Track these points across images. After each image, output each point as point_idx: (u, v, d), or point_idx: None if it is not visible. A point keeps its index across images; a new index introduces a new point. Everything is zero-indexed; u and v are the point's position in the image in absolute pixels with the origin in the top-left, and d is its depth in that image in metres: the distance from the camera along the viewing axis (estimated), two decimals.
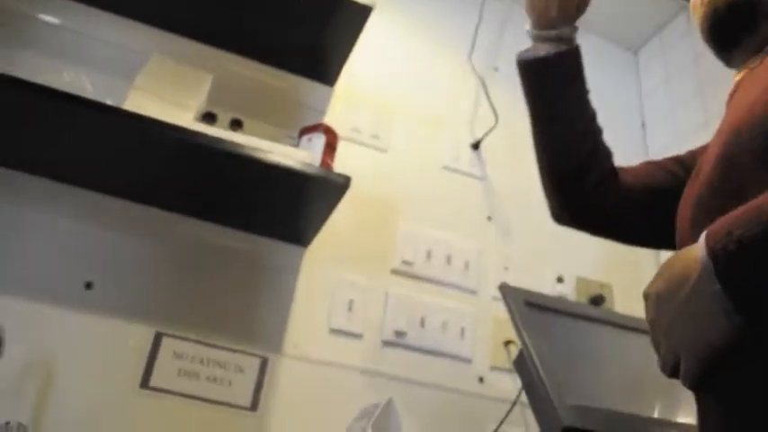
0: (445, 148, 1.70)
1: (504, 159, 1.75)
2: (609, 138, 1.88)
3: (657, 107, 2.01)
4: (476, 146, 1.72)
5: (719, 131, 0.78)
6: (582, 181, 0.98)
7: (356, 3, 1.35)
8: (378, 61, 1.73)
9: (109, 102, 1.19)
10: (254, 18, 1.43)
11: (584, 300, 1.61)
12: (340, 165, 1.42)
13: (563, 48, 0.96)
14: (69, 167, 1.23)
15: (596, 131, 1.01)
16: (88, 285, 1.22)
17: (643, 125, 2.04)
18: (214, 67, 1.43)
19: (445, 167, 1.67)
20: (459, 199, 1.65)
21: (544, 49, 0.96)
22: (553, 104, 0.98)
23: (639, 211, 1.00)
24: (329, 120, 1.55)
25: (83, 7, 1.43)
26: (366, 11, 1.37)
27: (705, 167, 0.76)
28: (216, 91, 1.37)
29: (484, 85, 1.79)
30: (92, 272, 1.23)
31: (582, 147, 0.99)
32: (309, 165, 1.14)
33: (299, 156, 1.17)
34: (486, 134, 1.71)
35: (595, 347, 1.28)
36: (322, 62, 1.55)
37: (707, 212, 0.71)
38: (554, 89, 0.97)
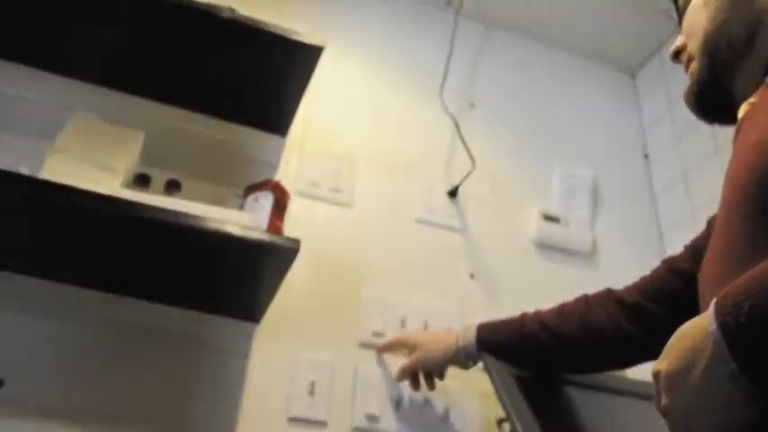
0: (418, 198, 1.77)
1: (486, 207, 1.82)
2: (609, 173, 2.01)
3: (661, 136, 2.11)
4: (453, 193, 1.79)
5: (727, 176, 0.87)
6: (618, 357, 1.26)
7: (304, 43, 1.43)
8: (335, 105, 1.81)
9: (24, 169, 1.25)
10: (190, 64, 1.51)
11: None
12: (295, 225, 1.47)
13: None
14: None
15: (574, 342, 1.26)
16: None
17: (646, 157, 2.13)
18: (147, 123, 1.50)
19: (419, 221, 1.74)
20: (437, 256, 1.71)
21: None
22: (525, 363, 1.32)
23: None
24: (283, 174, 1.62)
25: None
26: (317, 51, 1.45)
27: (719, 218, 0.86)
28: (150, 149, 1.43)
29: (457, 125, 1.87)
30: (2, 366, 1.24)
31: (588, 356, 1.27)
32: (253, 229, 1.20)
33: (241, 219, 1.23)
34: (464, 180, 1.79)
35: (599, 420, 1.33)
36: (271, 110, 1.62)
37: (725, 265, 0.80)
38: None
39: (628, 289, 1.24)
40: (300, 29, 1.44)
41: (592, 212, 1.94)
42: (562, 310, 1.29)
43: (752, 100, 0.91)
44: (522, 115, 2.04)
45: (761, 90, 0.90)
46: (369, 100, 1.87)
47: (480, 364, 1.35)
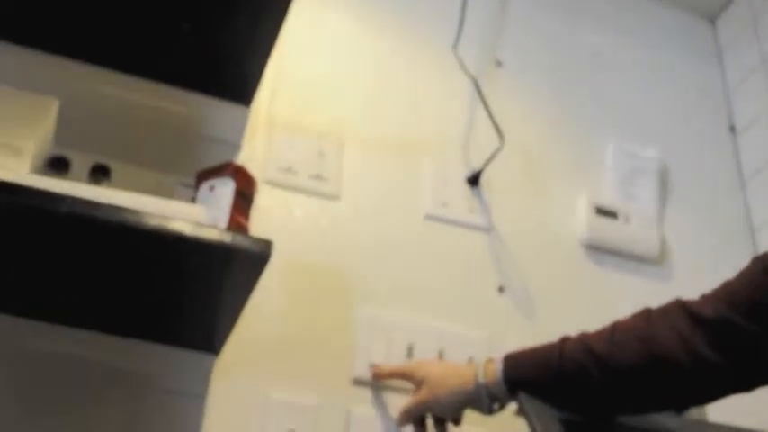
0: (427, 186, 1.77)
1: (518, 198, 1.83)
2: (683, 152, 2.01)
3: (751, 101, 2.11)
4: (474, 180, 1.79)
5: None
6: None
7: None
8: (315, 63, 1.81)
9: None
10: (123, 10, 1.50)
11: None
12: (264, 224, 1.48)
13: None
14: None
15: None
16: None
17: (732, 129, 2.14)
18: (63, 88, 1.50)
19: (429, 217, 1.74)
20: (454, 263, 1.71)
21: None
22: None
23: None
24: (247, 157, 1.63)
25: None
26: None
27: None
28: (68, 124, 1.43)
29: (478, 88, 1.87)
30: None
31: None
32: (208, 227, 1.19)
33: (192, 214, 1.23)
34: (489, 162, 1.79)
35: None
36: (230, 70, 1.62)
37: None
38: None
39: (705, 299, 1.23)
40: None
41: (659, 204, 1.95)
42: (615, 332, 1.28)
43: None
44: (565, 75, 2.05)
45: None
46: (360, 56, 1.87)
47: (509, 407, 1.35)
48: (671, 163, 2.03)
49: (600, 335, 1.29)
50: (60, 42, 1.58)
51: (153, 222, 1.16)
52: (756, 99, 2.09)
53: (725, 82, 2.21)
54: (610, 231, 1.86)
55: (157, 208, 1.21)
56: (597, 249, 1.85)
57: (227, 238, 1.19)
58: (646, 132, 2.05)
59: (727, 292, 1.21)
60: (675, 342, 1.21)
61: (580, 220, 1.86)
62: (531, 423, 1.29)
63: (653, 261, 1.88)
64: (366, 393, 1.53)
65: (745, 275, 1.21)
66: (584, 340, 1.29)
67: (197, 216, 1.23)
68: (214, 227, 1.22)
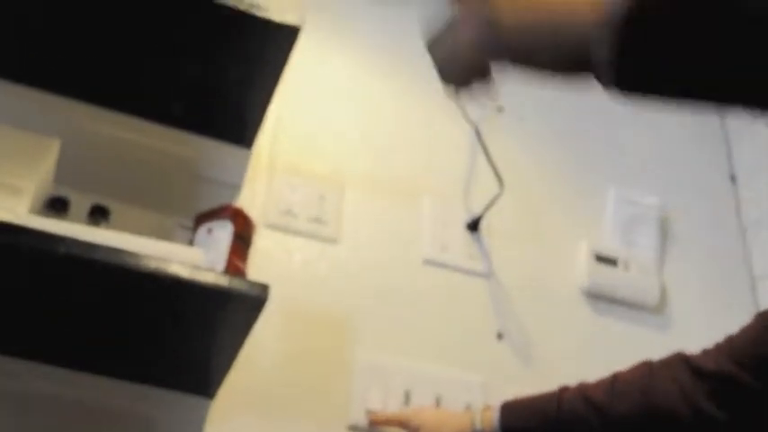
0: (427, 231, 1.77)
1: (518, 244, 1.83)
2: (683, 199, 2.00)
3: (753, 149, 2.12)
4: (473, 226, 1.79)
5: None
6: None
7: (275, 22, 1.43)
8: (316, 107, 1.83)
9: None
10: (119, 47, 1.51)
11: None
12: (262, 267, 1.48)
13: None
14: None
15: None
16: None
17: (732, 179, 2.14)
18: (64, 129, 1.51)
19: (428, 262, 1.74)
20: (453, 308, 1.71)
21: None
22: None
23: None
24: (247, 199, 1.63)
25: None
26: (291, 33, 1.45)
27: None
28: (68, 164, 1.44)
29: (479, 133, 1.88)
30: None
31: None
32: (205, 270, 1.19)
33: (189, 257, 1.23)
34: (488, 207, 1.79)
35: None
36: (231, 113, 1.63)
37: None
38: None
39: (707, 353, 1.22)
40: (271, 4, 1.43)
41: (660, 252, 1.95)
42: (615, 383, 1.27)
43: None
44: (565, 121, 2.06)
45: None
46: (360, 100, 1.88)
47: None
48: (672, 210, 2.03)
49: (599, 386, 1.28)
50: (60, 82, 1.58)
51: (151, 265, 1.17)
52: (758, 147, 2.09)
53: (724, 129, 2.22)
54: (609, 279, 1.86)
55: (155, 250, 1.21)
56: (597, 297, 1.84)
57: (223, 281, 1.20)
58: (647, 179, 2.06)
59: (730, 347, 1.20)
60: (676, 395, 1.20)
61: (580, 267, 1.86)
62: None
63: (652, 309, 1.87)
64: None
65: (748, 331, 1.21)
66: (584, 391, 1.28)
67: (195, 259, 1.24)
68: (211, 270, 1.23)
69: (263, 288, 1.20)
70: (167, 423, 1.43)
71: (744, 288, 1.98)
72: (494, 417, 1.34)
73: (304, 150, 1.77)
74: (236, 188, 1.66)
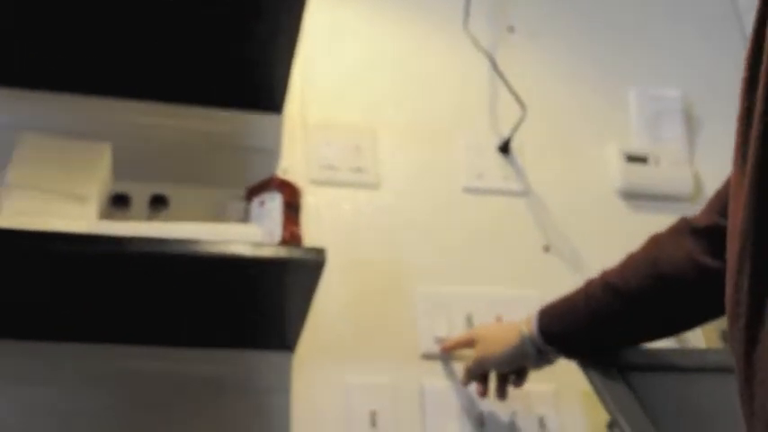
0: (461, 161, 1.83)
1: (549, 158, 1.88)
2: (705, 86, 1.94)
3: None
4: (504, 148, 1.85)
5: None
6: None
7: None
8: (335, 63, 1.87)
9: None
10: (145, 36, 1.57)
11: (715, 343, 1.70)
12: (316, 223, 1.57)
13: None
14: None
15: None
16: None
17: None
18: (112, 129, 1.60)
19: (467, 189, 1.81)
20: (498, 230, 1.77)
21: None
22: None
23: None
24: (288, 161, 1.71)
25: None
26: None
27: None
28: (122, 161, 1.50)
29: (493, 61, 1.92)
30: None
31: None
32: (264, 245, 1.28)
33: (247, 234, 1.31)
34: (515, 129, 1.84)
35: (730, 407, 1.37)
36: (257, 81, 1.70)
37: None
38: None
39: (703, 210, 1.24)
40: None
41: (688, 143, 1.97)
42: (627, 262, 1.31)
43: None
44: (578, 27, 2.07)
45: None
46: (379, 47, 1.92)
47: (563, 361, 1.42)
48: (695, 99, 2.03)
49: (615, 268, 1.32)
50: (99, 84, 1.66)
51: (214, 249, 1.25)
52: None
53: (735, 8, 2.20)
54: (643, 176, 1.89)
55: (215, 234, 1.30)
56: (633, 196, 1.88)
57: (283, 252, 1.28)
58: (666, 71, 2.07)
59: (717, 199, 1.21)
60: (680, 257, 1.23)
61: (612, 170, 1.89)
62: (588, 374, 1.35)
63: (688, 199, 1.89)
64: (436, 366, 1.60)
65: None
66: (603, 278, 1.33)
67: (253, 236, 1.31)
68: (270, 244, 1.31)
69: (320, 252, 1.27)
70: (259, 379, 1.52)
71: None
72: (533, 322, 1.40)
73: (332, 105, 1.82)
74: (275, 153, 1.73)
